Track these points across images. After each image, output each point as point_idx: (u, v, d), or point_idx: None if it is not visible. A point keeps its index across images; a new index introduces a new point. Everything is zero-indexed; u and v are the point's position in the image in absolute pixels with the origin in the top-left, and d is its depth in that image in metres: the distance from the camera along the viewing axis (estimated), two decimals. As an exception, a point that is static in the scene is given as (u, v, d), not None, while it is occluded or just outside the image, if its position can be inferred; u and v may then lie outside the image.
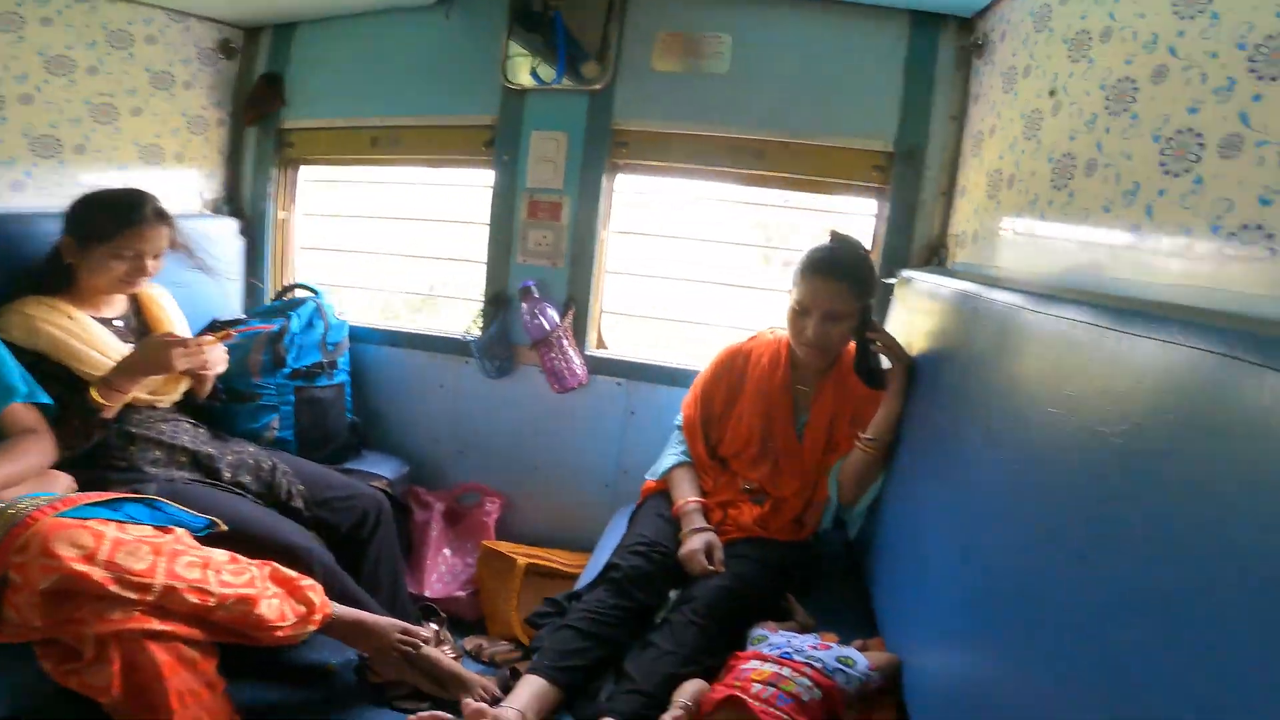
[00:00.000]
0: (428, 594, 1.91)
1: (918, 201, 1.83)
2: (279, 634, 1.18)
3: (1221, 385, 0.53)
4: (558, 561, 1.90)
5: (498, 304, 2.05)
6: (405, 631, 1.36)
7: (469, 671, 1.43)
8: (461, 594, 1.94)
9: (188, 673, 1.08)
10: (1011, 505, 0.86)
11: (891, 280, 1.76)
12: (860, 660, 1.12)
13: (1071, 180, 1.15)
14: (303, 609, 1.22)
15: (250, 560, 1.21)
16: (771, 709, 0.99)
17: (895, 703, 1.11)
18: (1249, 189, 0.76)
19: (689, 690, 1.05)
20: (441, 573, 1.97)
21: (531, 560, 1.88)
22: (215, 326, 1.65)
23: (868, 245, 1.66)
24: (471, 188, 2.16)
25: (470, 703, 0.92)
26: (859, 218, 1.95)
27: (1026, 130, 1.36)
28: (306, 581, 1.25)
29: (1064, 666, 0.66)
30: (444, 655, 1.51)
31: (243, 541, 1.32)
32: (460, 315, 2.18)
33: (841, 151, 1.87)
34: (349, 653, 1.49)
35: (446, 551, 2.02)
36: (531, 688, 1.11)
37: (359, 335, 2.17)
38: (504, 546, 1.93)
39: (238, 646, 1.18)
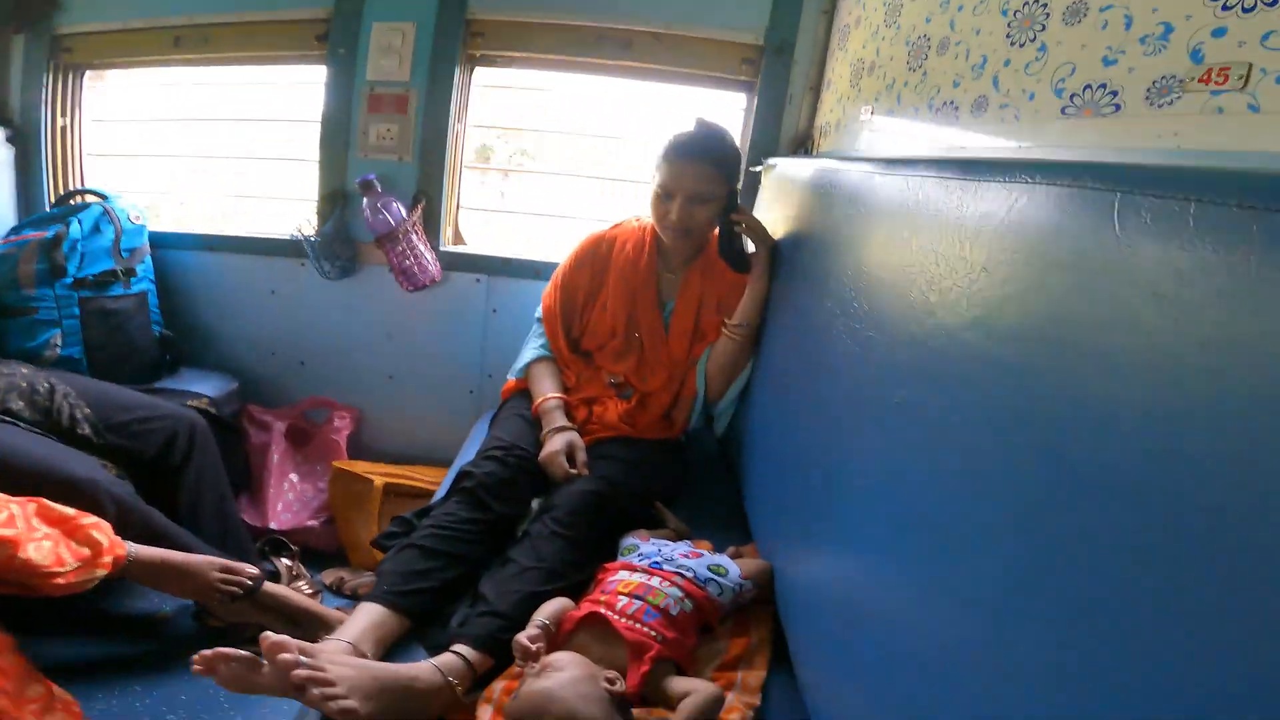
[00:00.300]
0: (274, 526, 1.74)
1: (786, 95, 1.80)
2: (59, 581, 1.00)
3: (1067, 216, 0.50)
4: (421, 479, 1.78)
5: (334, 201, 1.86)
6: (227, 570, 1.22)
7: (327, 608, 1.33)
8: (314, 523, 1.78)
9: (-47, 629, 0.91)
10: (868, 382, 0.84)
11: (758, 169, 1.74)
12: (733, 569, 1.05)
13: (925, 60, 1.14)
14: (86, 551, 1.04)
15: (10, 497, 1.01)
16: (637, 624, 0.90)
17: (771, 614, 1.05)
18: (1092, 51, 0.76)
19: (549, 609, 0.96)
20: (289, 500, 1.80)
21: (391, 479, 1.75)
22: None
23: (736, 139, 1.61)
24: (297, 85, 1.96)
25: (269, 635, 0.78)
26: (728, 110, 1.92)
27: (888, 18, 1.34)
28: (89, 519, 1.06)
29: (938, 567, 0.61)
30: (294, 592, 1.39)
31: (14, 476, 1.11)
32: (289, 218, 1.96)
33: (712, 43, 1.81)
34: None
35: (293, 476, 1.84)
36: (368, 617, 0.98)
37: (166, 241, 1.92)
38: (359, 466, 1.79)
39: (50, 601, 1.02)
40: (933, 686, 0.58)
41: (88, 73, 2.02)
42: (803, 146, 1.77)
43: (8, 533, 0.95)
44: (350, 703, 0.77)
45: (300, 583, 1.59)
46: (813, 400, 1.04)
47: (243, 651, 0.79)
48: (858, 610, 0.76)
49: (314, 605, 1.38)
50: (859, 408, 0.85)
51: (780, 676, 0.95)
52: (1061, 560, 0.46)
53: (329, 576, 1.66)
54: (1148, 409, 0.41)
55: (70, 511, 1.05)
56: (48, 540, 0.99)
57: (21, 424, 1.29)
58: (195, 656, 0.79)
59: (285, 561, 1.64)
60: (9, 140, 1.95)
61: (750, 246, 1.40)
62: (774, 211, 1.49)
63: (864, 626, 0.74)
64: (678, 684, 0.86)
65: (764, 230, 1.37)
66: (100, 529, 1.07)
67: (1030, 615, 0.48)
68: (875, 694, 0.69)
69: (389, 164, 1.84)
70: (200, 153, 2.14)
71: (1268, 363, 0.34)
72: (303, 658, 0.78)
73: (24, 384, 1.34)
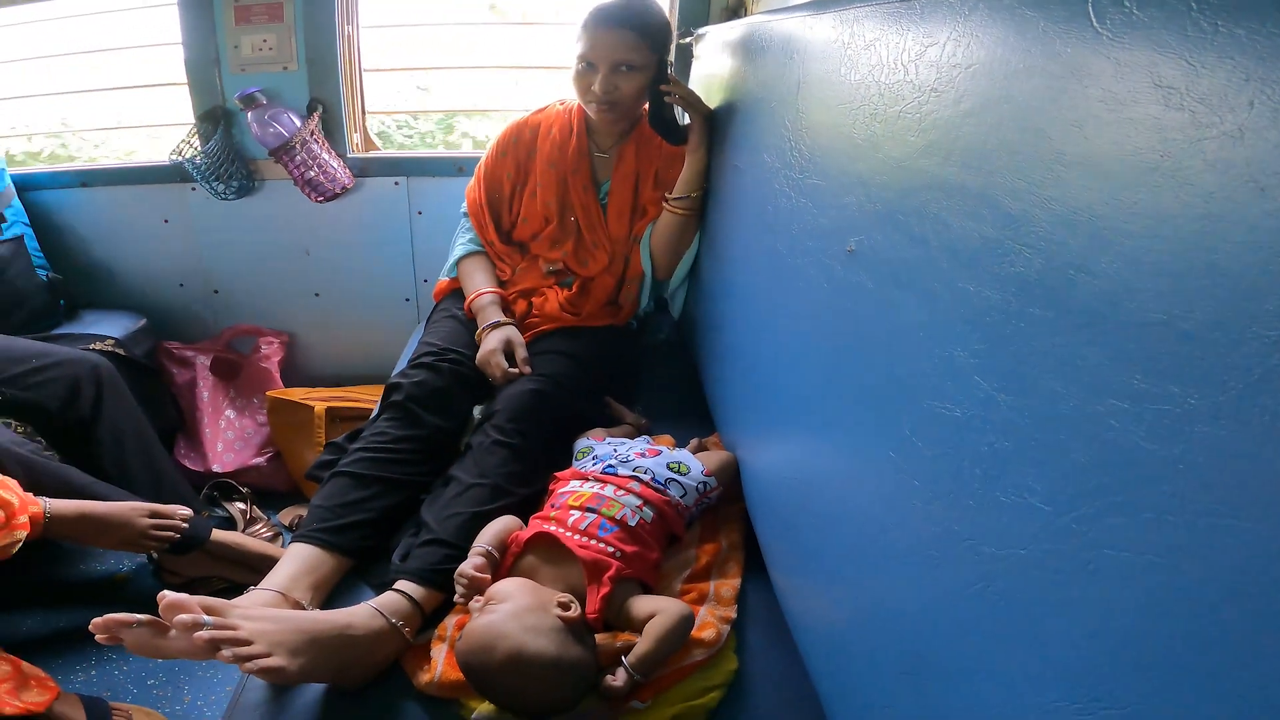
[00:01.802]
0: (218, 469, 1.63)
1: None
2: None
3: (1029, 21, 0.42)
4: (365, 399, 1.67)
5: (214, 119, 1.69)
6: (155, 514, 1.14)
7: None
8: (260, 461, 1.68)
9: None
10: (816, 234, 0.73)
11: (687, 40, 1.60)
12: (694, 465, 0.96)
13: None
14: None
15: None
16: (592, 541, 0.81)
17: (741, 513, 0.97)
18: None
19: (491, 531, 0.87)
20: (229, 440, 1.69)
21: (333, 403, 1.65)
22: None
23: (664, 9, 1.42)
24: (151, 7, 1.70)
25: (165, 595, 0.70)
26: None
27: None
28: None
29: (910, 436, 0.52)
30: (248, 538, 1.33)
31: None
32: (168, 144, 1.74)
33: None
34: (142, 556, 1.31)
35: (229, 413, 1.73)
36: (297, 560, 0.89)
37: (36, 182, 1.76)
38: (296, 393, 1.68)
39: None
40: (916, 582, 0.51)
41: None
42: (735, 15, 1.60)
43: None
44: (273, 660, 0.70)
45: (258, 526, 1.52)
46: (761, 265, 0.93)
47: (141, 615, 0.71)
48: (825, 497, 0.68)
49: (272, 549, 1.33)
50: (809, 264, 0.74)
51: (756, 582, 0.88)
52: (1050, 424, 0.37)
53: (287, 516, 1.59)
54: (1159, 214, 0.32)
55: None
56: None
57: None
58: (93, 623, 0.71)
59: (239, 505, 1.56)
60: None
61: (685, 118, 1.28)
62: (708, 82, 1.35)
63: (833, 515, 0.66)
64: (642, 604, 0.78)
65: (697, 99, 1.25)
66: (7, 487, 0.98)
67: (1026, 489, 0.39)
68: (852, 594, 0.62)
69: (274, 75, 1.68)
70: (58, 90, 1.89)
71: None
72: (206, 617, 0.70)
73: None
